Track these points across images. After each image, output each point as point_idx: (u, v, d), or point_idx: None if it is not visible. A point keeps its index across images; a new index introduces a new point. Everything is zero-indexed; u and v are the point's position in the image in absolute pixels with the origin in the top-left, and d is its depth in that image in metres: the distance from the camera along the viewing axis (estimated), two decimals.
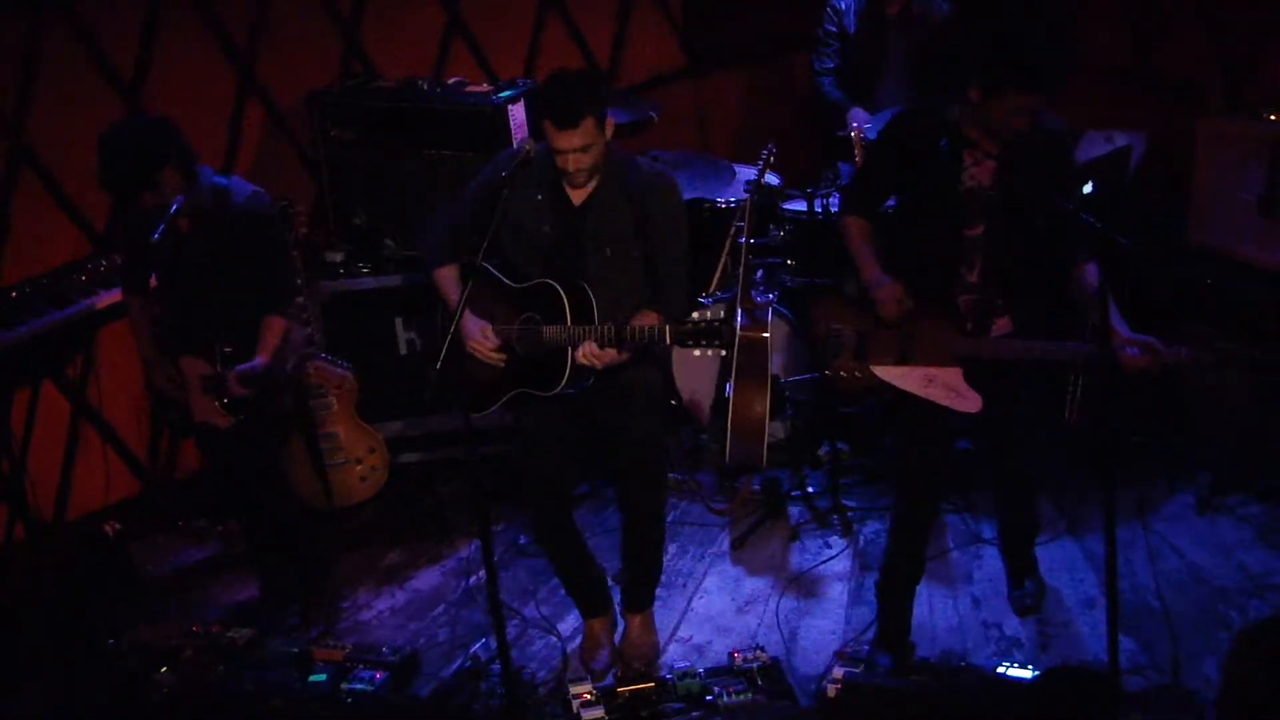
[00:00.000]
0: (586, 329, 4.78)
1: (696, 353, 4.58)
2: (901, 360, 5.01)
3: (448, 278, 5.09)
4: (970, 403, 4.93)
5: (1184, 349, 4.67)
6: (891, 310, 4.95)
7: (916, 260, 5.00)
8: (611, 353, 4.78)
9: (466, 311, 4.83)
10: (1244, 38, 7.16)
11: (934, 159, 4.85)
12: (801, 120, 7.95)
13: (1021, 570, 5.70)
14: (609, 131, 4.80)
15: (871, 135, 6.48)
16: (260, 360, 5.43)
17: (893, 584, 5.38)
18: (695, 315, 4.56)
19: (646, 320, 4.75)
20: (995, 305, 4.96)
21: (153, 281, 5.66)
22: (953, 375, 4.95)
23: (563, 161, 4.75)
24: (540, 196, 4.93)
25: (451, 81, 6.90)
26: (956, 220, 4.87)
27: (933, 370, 4.96)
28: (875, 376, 5.05)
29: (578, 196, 4.93)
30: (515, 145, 6.09)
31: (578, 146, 4.70)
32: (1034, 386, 5.25)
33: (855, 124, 6.60)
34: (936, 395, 4.95)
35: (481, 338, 4.96)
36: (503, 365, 4.99)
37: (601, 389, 5.02)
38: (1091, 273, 4.81)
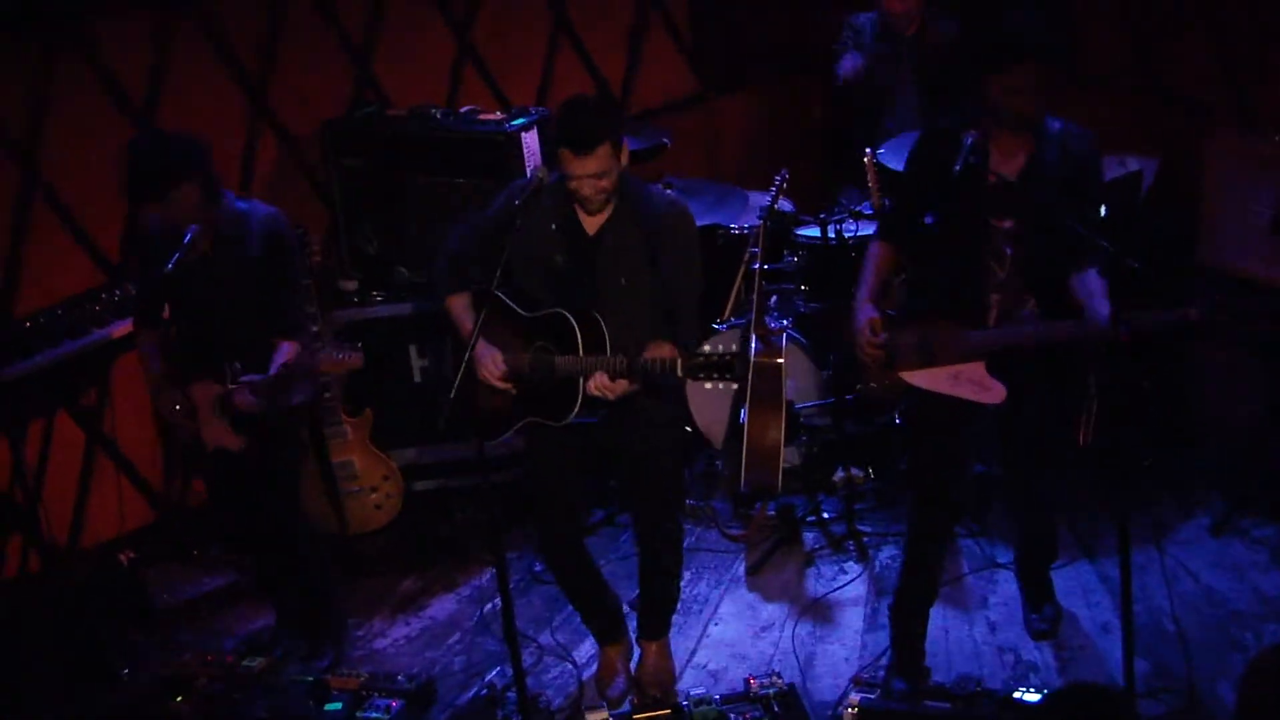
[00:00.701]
0: (598, 360, 4.74)
1: (709, 386, 4.55)
2: (926, 363, 5.07)
3: (459, 305, 5.08)
4: (996, 394, 4.98)
5: (1190, 309, 4.69)
6: (855, 346, 5.09)
7: (948, 262, 5.07)
8: (623, 384, 4.74)
9: (480, 338, 4.83)
10: (1245, 38, 7.13)
11: (956, 181, 4.87)
12: (814, 145, 7.97)
13: (1038, 594, 5.69)
14: (624, 157, 4.80)
15: (883, 160, 6.54)
16: (268, 374, 5.31)
17: (907, 603, 5.37)
18: (706, 348, 4.54)
19: (660, 352, 4.68)
20: (1023, 304, 5.00)
21: (164, 313, 5.65)
22: (976, 369, 4.99)
23: (580, 187, 4.74)
24: (554, 226, 4.91)
25: (464, 110, 6.91)
26: (984, 216, 4.93)
27: (957, 367, 5.01)
28: (905, 382, 5.10)
29: (591, 225, 4.91)
30: (529, 174, 6.11)
31: (594, 172, 4.69)
32: (1048, 395, 5.24)
33: (867, 154, 6.62)
34: (965, 392, 5.00)
35: (492, 365, 4.93)
36: (514, 393, 4.97)
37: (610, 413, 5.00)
38: (1092, 277, 4.86)
